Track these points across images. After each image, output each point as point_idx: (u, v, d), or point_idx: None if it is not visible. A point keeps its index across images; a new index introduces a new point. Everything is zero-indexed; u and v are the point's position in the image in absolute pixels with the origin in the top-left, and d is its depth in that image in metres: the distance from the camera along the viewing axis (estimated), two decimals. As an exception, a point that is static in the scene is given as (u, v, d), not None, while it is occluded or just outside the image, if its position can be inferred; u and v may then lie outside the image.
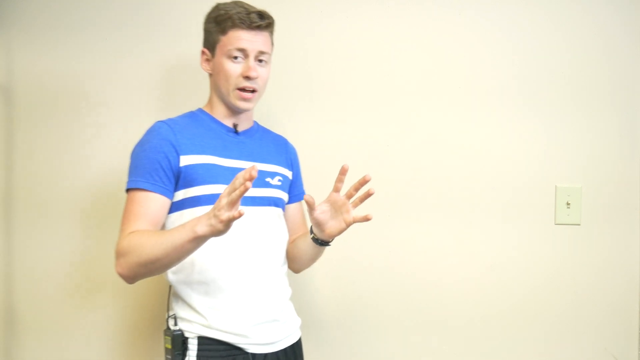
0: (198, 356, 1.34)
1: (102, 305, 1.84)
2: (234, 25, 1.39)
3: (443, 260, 1.87)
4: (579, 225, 1.89)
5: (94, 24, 1.86)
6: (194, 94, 1.85)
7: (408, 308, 1.87)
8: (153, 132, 1.38)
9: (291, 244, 1.55)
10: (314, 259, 1.55)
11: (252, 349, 1.38)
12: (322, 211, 1.38)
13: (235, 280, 1.38)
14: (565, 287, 1.88)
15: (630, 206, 1.90)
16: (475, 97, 1.89)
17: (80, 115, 1.85)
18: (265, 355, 1.41)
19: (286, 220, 1.56)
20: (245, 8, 1.40)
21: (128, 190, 1.35)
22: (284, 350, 1.45)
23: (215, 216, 1.16)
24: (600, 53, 1.90)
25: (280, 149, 1.57)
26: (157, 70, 1.85)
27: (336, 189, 1.36)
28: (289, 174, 1.56)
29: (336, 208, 1.38)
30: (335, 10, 1.88)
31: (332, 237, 1.42)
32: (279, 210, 1.51)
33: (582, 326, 1.88)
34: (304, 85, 1.85)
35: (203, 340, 1.35)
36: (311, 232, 1.45)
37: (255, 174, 1.11)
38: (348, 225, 1.38)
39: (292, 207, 1.60)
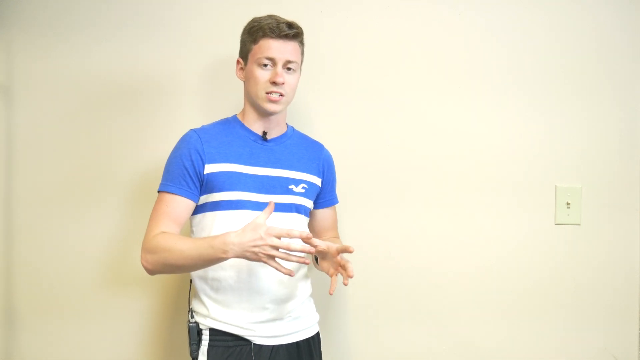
0: (209, 346, 1.47)
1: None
2: (265, 35, 1.49)
3: (443, 260, 1.87)
4: (579, 225, 1.89)
5: (94, 24, 1.86)
6: (195, 94, 1.86)
7: (407, 305, 1.87)
8: (184, 141, 1.51)
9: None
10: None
11: (257, 341, 1.48)
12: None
13: (245, 281, 1.48)
14: (565, 287, 1.88)
15: (630, 206, 1.90)
16: (475, 97, 1.89)
17: (80, 115, 1.86)
18: (272, 347, 1.49)
19: (315, 224, 1.69)
20: (276, 19, 1.51)
21: (159, 192, 1.50)
22: (296, 344, 1.54)
23: (259, 253, 1.31)
24: (600, 53, 1.90)
25: (312, 156, 1.64)
26: (158, 71, 1.86)
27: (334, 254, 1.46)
28: (317, 181, 1.63)
29: (329, 258, 1.48)
30: (335, 11, 1.88)
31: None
32: (301, 216, 1.58)
33: (582, 326, 1.88)
34: (303, 85, 1.85)
35: (214, 332, 1.48)
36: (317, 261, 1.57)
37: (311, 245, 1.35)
38: (329, 273, 1.48)
39: (322, 212, 1.69)
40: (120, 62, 1.85)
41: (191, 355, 1.48)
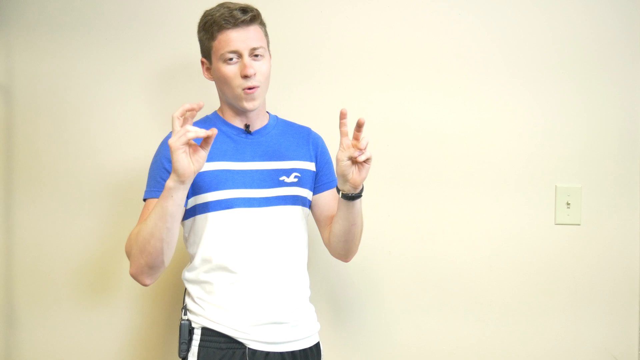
0: (200, 346, 1.41)
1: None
2: (221, 28, 1.40)
3: (443, 261, 1.87)
4: (579, 225, 1.89)
5: (95, 24, 1.86)
6: (196, 94, 1.86)
7: (409, 310, 1.87)
8: (164, 144, 1.44)
9: (330, 232, 1.54)
10: (350, 229, 1.47)
11: (252, 345, 1.41)
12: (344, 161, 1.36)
13: (238, 282, 1.42)
14: (565, 287, 1.88)
15: (630, 206, 1.89)
16: (475, 97, 1.89)
17: (80, 116, 1.86)
18: (267, 353, 1.42)
19: (320, 212, 1.58)
20: (228, 7, 1.41)
21: (144, 200, 1.45)
22: (292, 353, 1.45)
23: (182, 143, 1.23)
24: (600, 53, 1.89)
25: (301, 142, 1.56)
26: (159, 71, 1.86)
27: (344, 134, 1.36)
28: (310, 166, 1.55)
29: (350, 153, 1.35)
30: (335, 11, 1.88)
31: (357, 184, 1.37)
32: (297, 208, 1.50)
33: (582, 326, 1.88)
34: (302, 85, 1.85)
35: (206, 331, 1.41)
36: (338, 191, 1.42)
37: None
38: (354, 160, 1.34)
39: (324, 197, 1.58)
40: (121, 62, 1.85)
41: (180, 355, 1.41)
